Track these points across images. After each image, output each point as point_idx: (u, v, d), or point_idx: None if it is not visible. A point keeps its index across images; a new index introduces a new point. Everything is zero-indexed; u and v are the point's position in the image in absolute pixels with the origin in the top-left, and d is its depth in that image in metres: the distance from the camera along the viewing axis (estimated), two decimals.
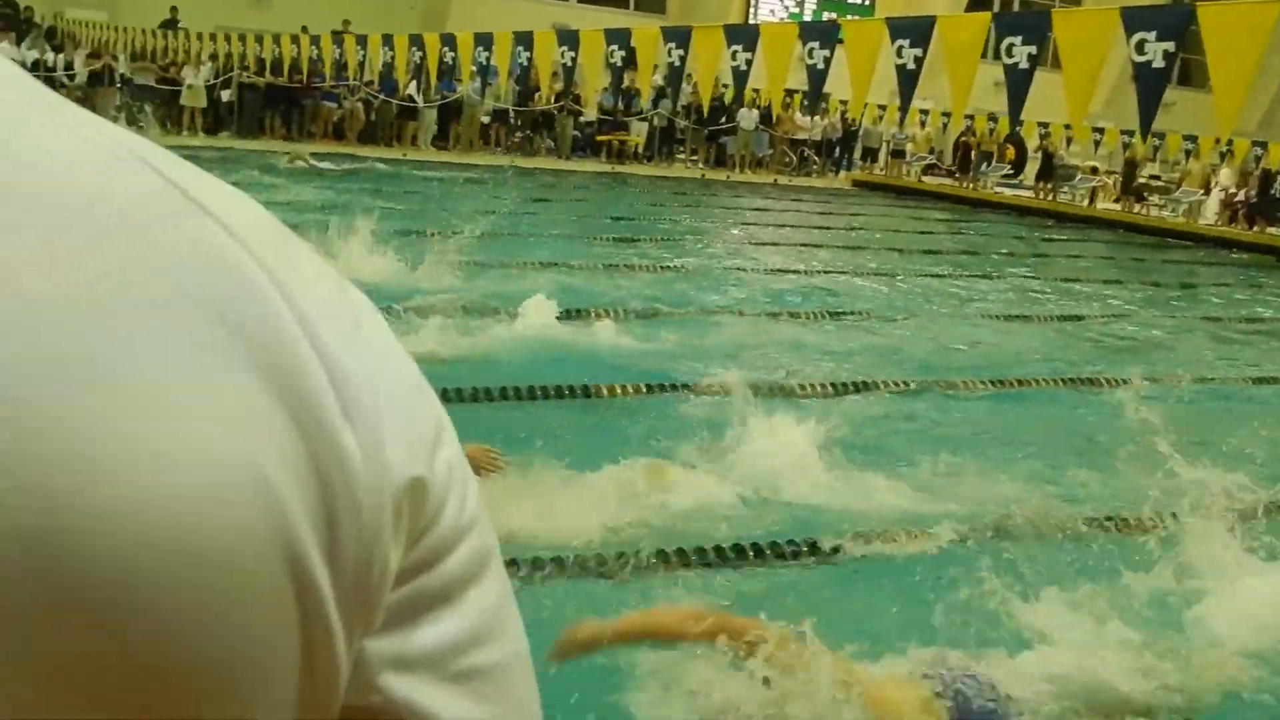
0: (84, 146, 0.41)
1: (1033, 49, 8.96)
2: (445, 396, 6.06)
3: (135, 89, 21.71)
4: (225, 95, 22.51)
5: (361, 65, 23.06)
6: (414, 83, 23.36)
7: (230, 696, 0.39)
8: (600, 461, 5.49)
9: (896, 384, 7.76)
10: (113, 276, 0.38)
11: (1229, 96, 7.68)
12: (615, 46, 13.32)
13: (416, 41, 17.98)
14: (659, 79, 24.85)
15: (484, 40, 16.00)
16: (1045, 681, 3.52)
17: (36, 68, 19.71)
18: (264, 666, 0.40)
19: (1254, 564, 4.84)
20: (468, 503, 0.48)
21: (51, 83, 19.12)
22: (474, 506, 0.48)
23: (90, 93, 20.38)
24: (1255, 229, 22.42)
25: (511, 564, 4.17)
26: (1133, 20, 7.97)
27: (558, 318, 8.54)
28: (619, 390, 6.91)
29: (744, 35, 11.87)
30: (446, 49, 17.09)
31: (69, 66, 21.19)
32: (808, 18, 30.84)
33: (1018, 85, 8.99)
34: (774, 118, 26.86)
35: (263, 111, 22.74)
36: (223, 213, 0.42)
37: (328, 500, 0.41)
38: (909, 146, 28.68)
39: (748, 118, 26.34)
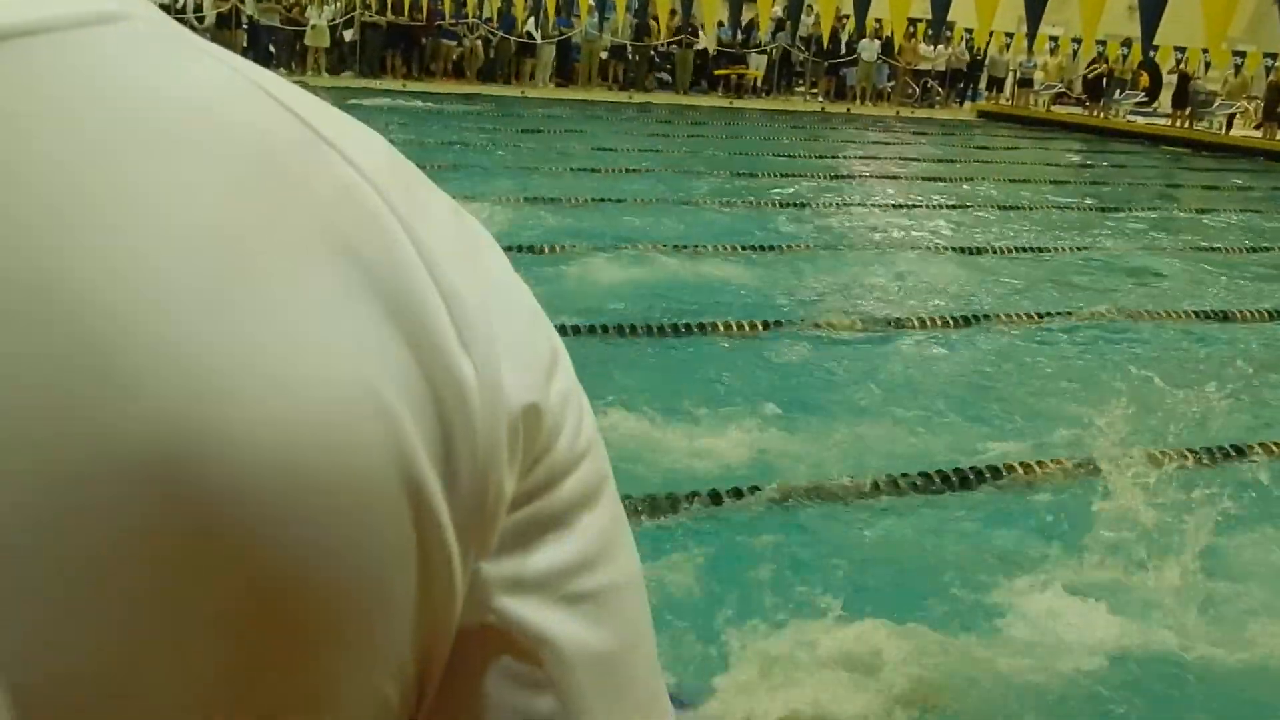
0: (225, 83, 0.42)
1: None
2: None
3: (260, 30, 22.13)
4: (348, 35, 22.80)
5: (481, 2, 23.14)
6: (532, 19, 23.37)
7: (352, 617, 0.40)
8: (732, 400, 5.54)
9: (1025, 315, 7.61)
10: (249, 209, 0.39)
11: None
12: None
13: None
14: (778, 10, 24.49)
15: None
16: None
17: (166, 11, 20.17)
18: (384, 587, 0.41)
19: None
20: (583, 429, 0.48)
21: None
22: (589, 433, 0.49)
23: (218, 35, 20.82)
24: None
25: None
26: None
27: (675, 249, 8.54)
28: (734, 327, 6.89)
29: None
30: None
31: (198, 9, 21.65)
32: None
33: (1152, 8, 8.64)
34: (896, 48, 26.28)
35: (384, 50, 22.99)
36: (345, 145, 0.43)
37: (444, 426, 0.42)
38: (1037, 75, 27.76)
39: (869, 48, 25.78)
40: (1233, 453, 5.43)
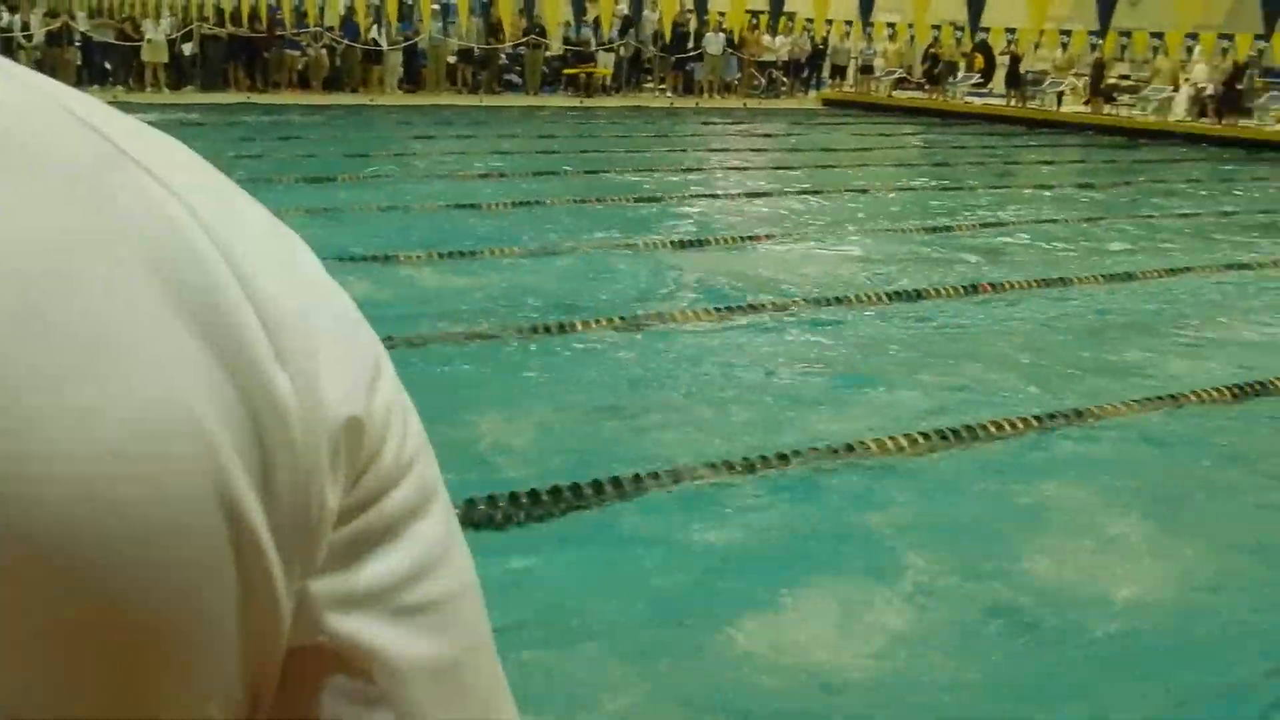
0: (24, 102, 0.42)
1: None
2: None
3: (95, 47, 21.45)
4: (187, 49, 22.24)
5: (322, 10, 22.82)
6: (375, 25, 23.12)
7: (173, 643, 0.40)
8: (582, 390, 5.61)
9: (875, 296, 7.82)
10: (54, 229, 0.39)
11: None
12: None
13: None
14: (623, 8, 24.66)
15: None
16: None
17: None
18: (204, 612, 0.41)
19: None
20: (409, 438, 0.48)
21: (9, 45, 18.88)
22: (416, 441, 0.48)
23: (49, 53, 20.12)
24: (1224, 122, 22.48)
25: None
26: None
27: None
28: (594, 324, 6.95)
29: None
30: None
31: (25, 27, 20.89)
32: None
33: None
34: (740, 40, 26.68)
35: (225, 63, 22.48)
36: (151, 161, 0.43)
37: (262, 442, 0.41)
38: (877, 62, 28.48)
39: (714, 42, 26.11)
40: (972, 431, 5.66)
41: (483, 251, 8.80)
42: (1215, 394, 6.07)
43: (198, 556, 0.39)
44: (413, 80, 24.17)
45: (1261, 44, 22.04)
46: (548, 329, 6.79)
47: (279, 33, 22.63)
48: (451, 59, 24.55)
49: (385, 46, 23.38)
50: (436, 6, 21.14)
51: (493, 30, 24.26)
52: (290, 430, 0.41)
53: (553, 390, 5.79)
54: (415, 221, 10.00)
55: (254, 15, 22.30)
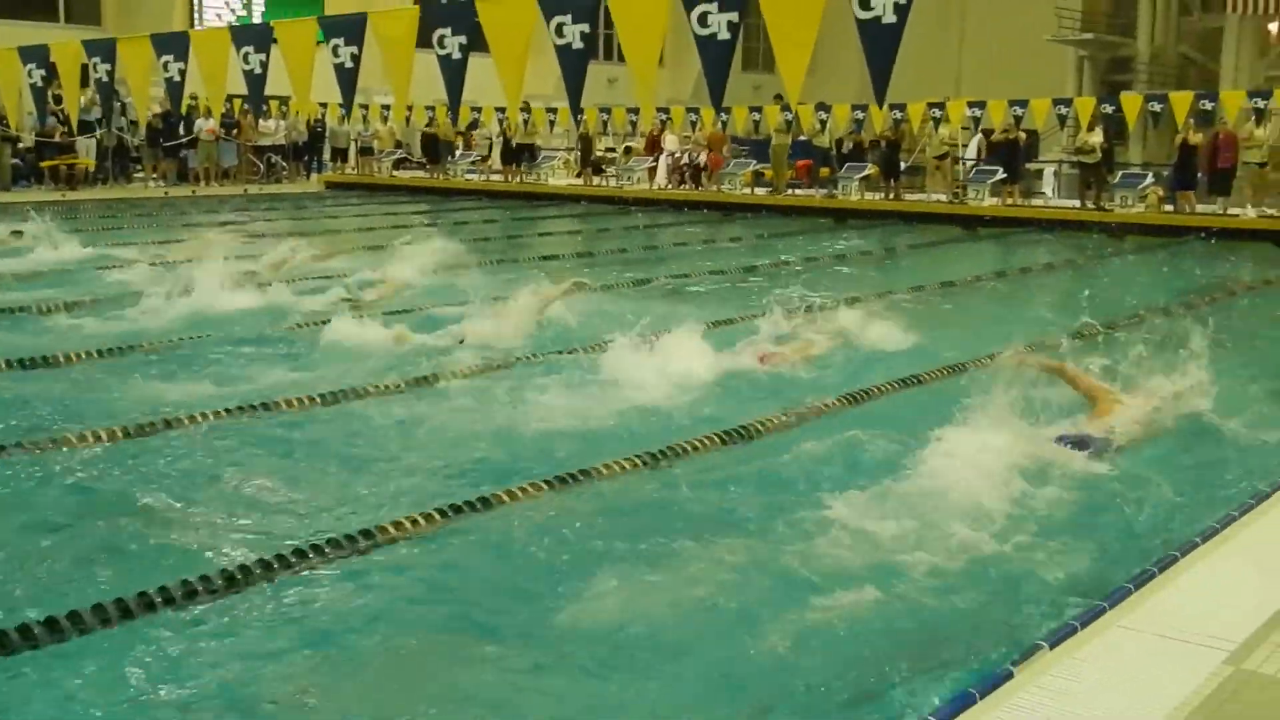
0: None
1: (463, 38, 9.16)
2: None
3: None
4: None
5: None
6: None
7: None
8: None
9: (382, 387, 7.69)
10: None
11: (643, 67, 8.26)
12: (33, 65, 12.29)
13: None
14: (93, 94, 23.25)
15: None
16: None
17: None
18: None
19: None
20: None
21: None
22: None
23: None
24: (701, 188, 24.49)
25: None
26: (549, 6, 8.37)
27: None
28: (91, 436, 6.41)
29: (174, 44, 11.33)
30: None
31: None
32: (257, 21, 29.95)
33: (453, 73, 9.19)
34: (234, 126, 25.97)
35: None
36: None
37: None
38: (375, 143, 28.71)
39: (204, 128, 25.25)
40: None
41: None
42: (710, 441, 6.44)
43: None
44: None
45: (725, 116, 24.21)
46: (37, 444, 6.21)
47: None
48: None
49: None
50: None
51: None
52: None
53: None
54: None
55: None
